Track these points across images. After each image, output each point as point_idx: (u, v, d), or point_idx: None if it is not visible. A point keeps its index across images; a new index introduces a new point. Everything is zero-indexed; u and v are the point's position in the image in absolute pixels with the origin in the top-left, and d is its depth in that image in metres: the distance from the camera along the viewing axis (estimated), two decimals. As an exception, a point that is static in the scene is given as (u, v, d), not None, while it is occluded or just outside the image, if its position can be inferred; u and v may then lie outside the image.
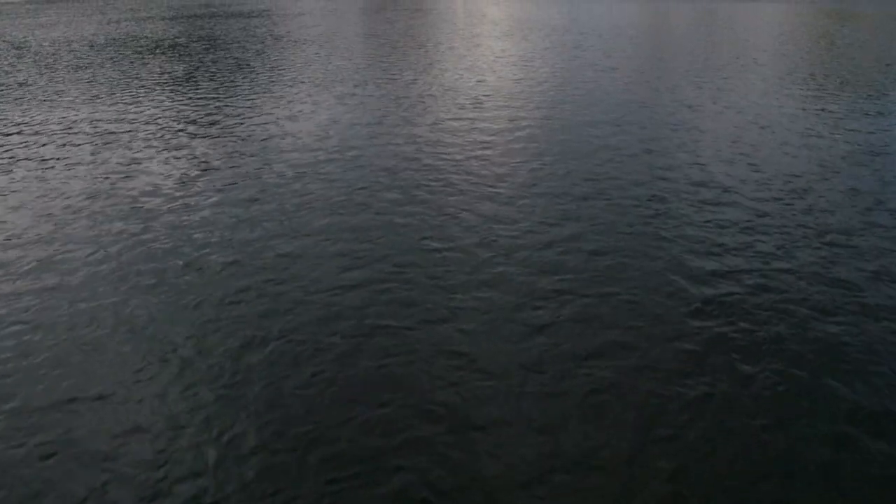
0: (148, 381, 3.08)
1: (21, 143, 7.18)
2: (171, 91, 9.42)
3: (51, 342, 3.40)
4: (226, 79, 10.29)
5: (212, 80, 10.17)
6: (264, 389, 2.96)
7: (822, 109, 7.85)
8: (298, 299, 3.66)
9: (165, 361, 3.23)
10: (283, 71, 10.92)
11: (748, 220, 4.57)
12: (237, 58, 12.23)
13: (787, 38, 13.77)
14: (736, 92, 8.79)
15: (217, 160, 6.36)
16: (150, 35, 15.97)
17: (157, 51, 13.42)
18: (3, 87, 10.00)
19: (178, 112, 8.41)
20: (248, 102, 8.66)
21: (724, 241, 4.26)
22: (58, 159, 6.60)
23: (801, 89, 8.80)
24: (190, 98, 9.08)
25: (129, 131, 7.58)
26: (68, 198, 5.46)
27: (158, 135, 7.35)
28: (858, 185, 5.23)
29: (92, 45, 14.33)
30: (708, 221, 4.57)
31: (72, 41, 15.19)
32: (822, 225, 4.49)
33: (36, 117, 8.40)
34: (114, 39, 15.34)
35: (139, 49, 13.67)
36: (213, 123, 7.74)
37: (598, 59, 11.29)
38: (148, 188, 5.58)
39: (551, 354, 3.11)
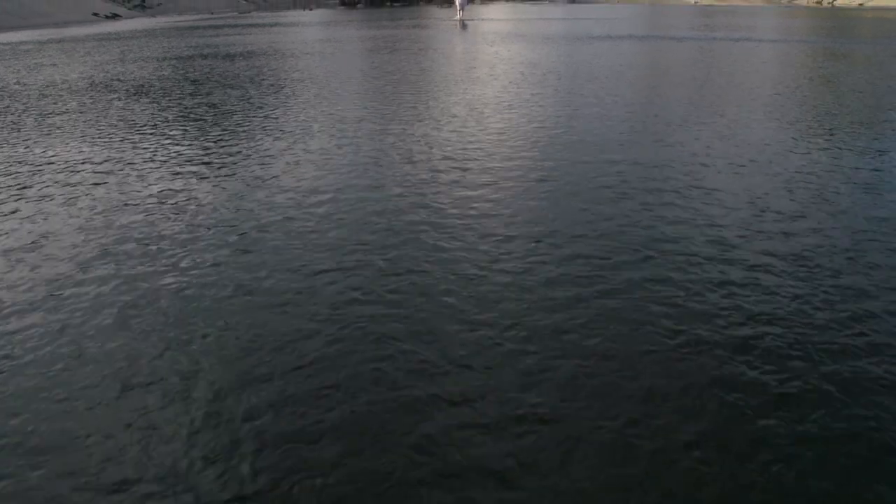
0: (142, 425, 3.04)
1: (4, 185, 7.03)
2: (149, 135, 8.88)
3: (44, 386, 3.37)
4: (206, 125, 9.78)
5: (187, 126, 9.64)
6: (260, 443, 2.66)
7: (840, 159, 7.34)
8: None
9: (161, 404, 3.19)
10: (266, 118, 10.45)
11: (773, 321, 3.93)
12: (217, 104, 11.75)
13: (790, 78, 13.41)
14: (748, 143, 8.30)
15: (196, 206, 6.04)
16: (136, 77, 15.58)
17: (141, 93, 12.97)
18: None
19: (158, 156, 7.95)
20: (224, 154, 8.13)
21: (756, 361, 3.62)
22: (43, 199, 6.46)
23: (817, 139, 8.29)
24: (167, 142, 8.57)
25: (111, 173, 7.34)
26: (54, 240, 5.41)
27: (140, 179, 7.11)
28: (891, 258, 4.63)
29: (76, 88, 13.88)
30: (732, 317, 3.94)
31: (55, 83, 14.75)
32: (855, 308, 3.87)
33: (16, 158, 8.14)
34: (99, 82, 14.91)
35: (125, 91, 13.22)
36: (190, 170, 7.26)
37: (595, 105, 10.83)
38: (131, 233, 5.44)
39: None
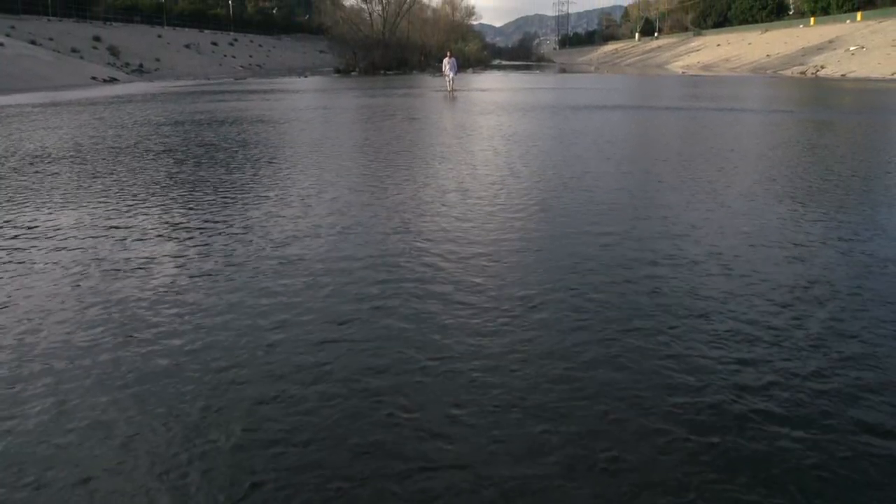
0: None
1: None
2: (121, 203, 8.41)
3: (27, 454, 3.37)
4: (184, 194, 9.37)
5: (164, 194, 9.16)
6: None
7: (834, 230, 7.08)
8: None
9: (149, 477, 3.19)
10: (247, 188, 10.12)
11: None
12: (198, 172, 11.34)
13: (778, 150, 13.24)
14: (748, 214, 8.17)
15: (173, 275, 5.91)
16: (122, 143, 15.34)
17: (125, 160, 12.63)
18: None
19: (130, 223, 7.58)
20: (202, 223, 7.70)
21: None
22: (28, 263, 6.62)
23: (807, 212, 7.90)
24: (142, 210, 8.15)
25: (103, 237, 7.44)
26: (46, 302, 5.53)
27: (115, 246, 7.07)
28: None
29: (38, 155, 13.57)
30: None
31: (42, 147, 14.46)
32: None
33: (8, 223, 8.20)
34: (78, 147, 14.64)
35: (112, 156, 12.88)
36: (167, 238, 7.10)
37: (584, 181, 10.53)
38: (122, 295, 5.59)
39: None
